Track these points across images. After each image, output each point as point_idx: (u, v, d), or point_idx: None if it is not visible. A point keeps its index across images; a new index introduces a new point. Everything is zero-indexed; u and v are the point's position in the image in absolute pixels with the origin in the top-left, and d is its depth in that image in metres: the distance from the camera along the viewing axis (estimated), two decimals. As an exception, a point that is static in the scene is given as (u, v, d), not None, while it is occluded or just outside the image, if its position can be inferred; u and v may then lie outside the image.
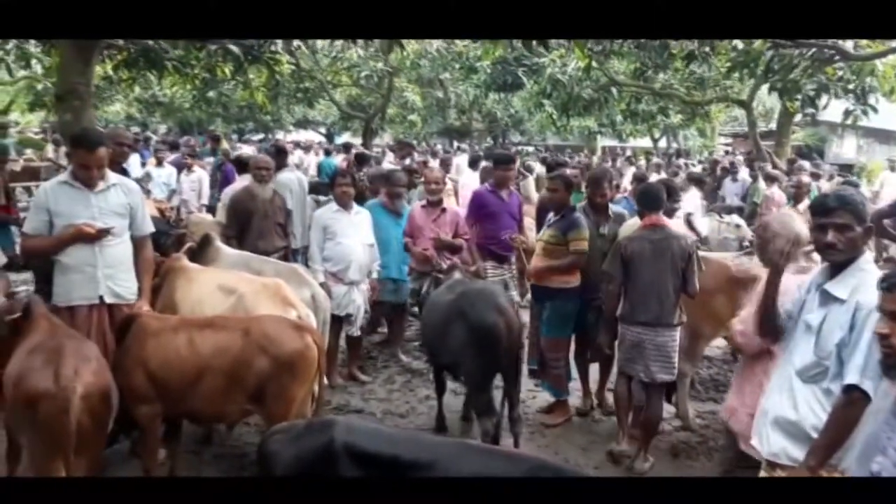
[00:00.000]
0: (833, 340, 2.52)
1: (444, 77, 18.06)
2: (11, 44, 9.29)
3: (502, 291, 4.53)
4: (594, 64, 11.11)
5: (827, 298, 2.59)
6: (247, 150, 13.77)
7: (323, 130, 31.09)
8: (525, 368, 4.84)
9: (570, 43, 9.85)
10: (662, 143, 27.92)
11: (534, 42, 5.92)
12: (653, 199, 4.50)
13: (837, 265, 2.58)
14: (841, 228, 2.51)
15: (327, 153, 15.95)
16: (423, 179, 6.66)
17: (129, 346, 3.64)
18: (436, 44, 14.13)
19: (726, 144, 28.26)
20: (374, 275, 5.82)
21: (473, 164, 11.51)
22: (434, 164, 11.73)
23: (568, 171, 6.36)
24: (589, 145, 27.24)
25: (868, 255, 2.61)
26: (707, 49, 9.86)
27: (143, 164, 10.39)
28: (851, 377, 2.40)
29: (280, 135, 30.22)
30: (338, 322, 5.43)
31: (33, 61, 9.91)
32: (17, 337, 3.41)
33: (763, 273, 3.21)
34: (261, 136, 28.67)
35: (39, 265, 4.34)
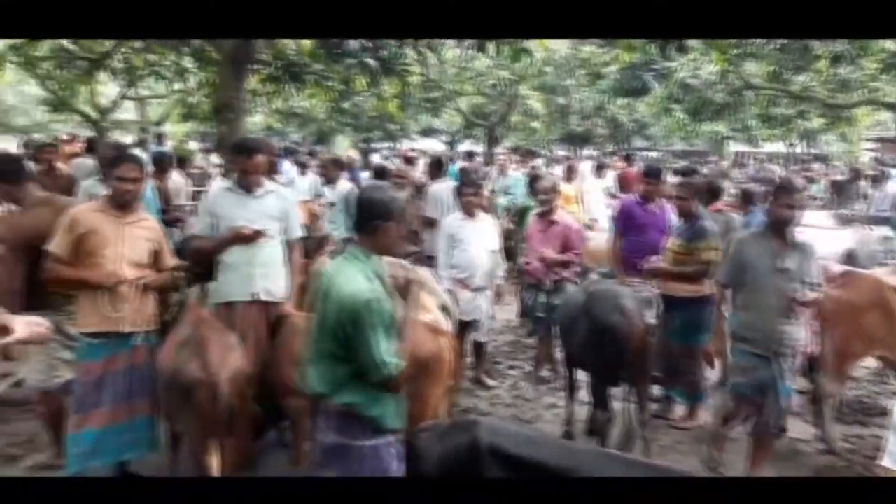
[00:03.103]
0: None
1: (569, 83, 17.93)
2: (170, 59, 10.16)
3: (630, 294, 4.51)
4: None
5: None
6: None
7: (445, 139, 31.60)
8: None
9: (706, 46, 9.52)
10: (800, 149, 26.36)
11: (672, 45, 5.73)
12: None
13: None
14: None
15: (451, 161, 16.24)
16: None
17: (281, 343, 3.92)
18: (562, 50, 14.09)
19: (871, 150, 26.27)
20: (500, 281, 5.93)
21: (599, 170, 11.36)
22: (556, 171, 11.67)
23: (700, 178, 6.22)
24: (718, 150, 26.14)
25: None
26: (856, 50, 9.23)
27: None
28: None
29: (405, 143, 31.01)
30: (464, 327, 5.55)
31: (189, 76, 10.74)
32: (175, 322, 3.81)
33: None
34: (387, 144, 29.54)
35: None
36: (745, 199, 6.27)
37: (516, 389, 5.87)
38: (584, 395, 5.14)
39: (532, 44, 8.36)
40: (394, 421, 2.66)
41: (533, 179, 8.29)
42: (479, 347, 5.97)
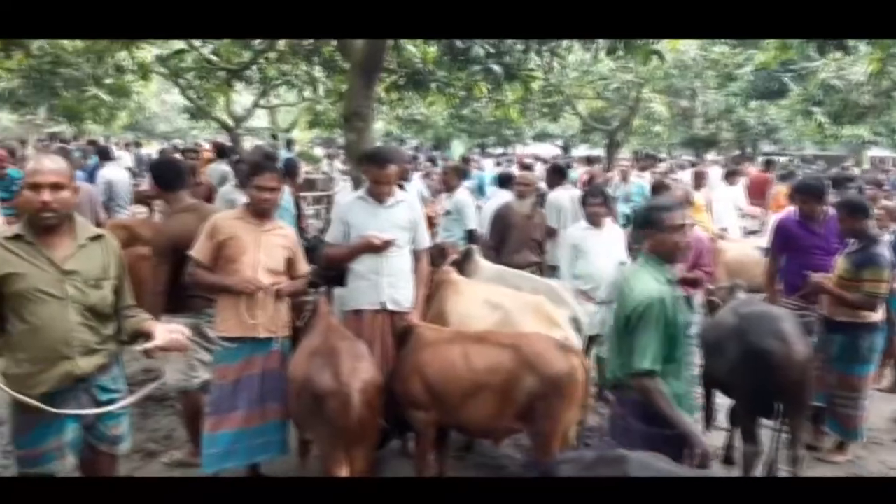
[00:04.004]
0: None
1: (696, 86, 17.14)
2: (301, 69, 10.50)
3: (790, 317, 4.11)
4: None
5: None
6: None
7: (560, 143, 31.15)
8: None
9: (859, 46, 8.78)
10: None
11: (830, 44, 5.28)
12: None
13: None
14: None
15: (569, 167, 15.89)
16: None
17: (407, 354, 3.89)
18: (692, 52, 13.46)
19: None
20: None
21: (730, 177, 10.74)
22: (682, 175, 11.11)
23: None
24: (856, 156, 24.26)
25: None
26: None
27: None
28: None
29: (519, 148, 30.85)
30: (588, 342, 5.33)
31: (318, 85, 11.07)
32: (305, 329, 3.86)
33: None
34: (501, 150, 29.49)
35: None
36: None
37: (643, 409, 5.58)
38: (720, 420, 4.84)
39: (661, 45, 7.99)
40: (684, 410, 2.97)
41: (656, 186, 7.83)
42: (602, 363, 5.73)
